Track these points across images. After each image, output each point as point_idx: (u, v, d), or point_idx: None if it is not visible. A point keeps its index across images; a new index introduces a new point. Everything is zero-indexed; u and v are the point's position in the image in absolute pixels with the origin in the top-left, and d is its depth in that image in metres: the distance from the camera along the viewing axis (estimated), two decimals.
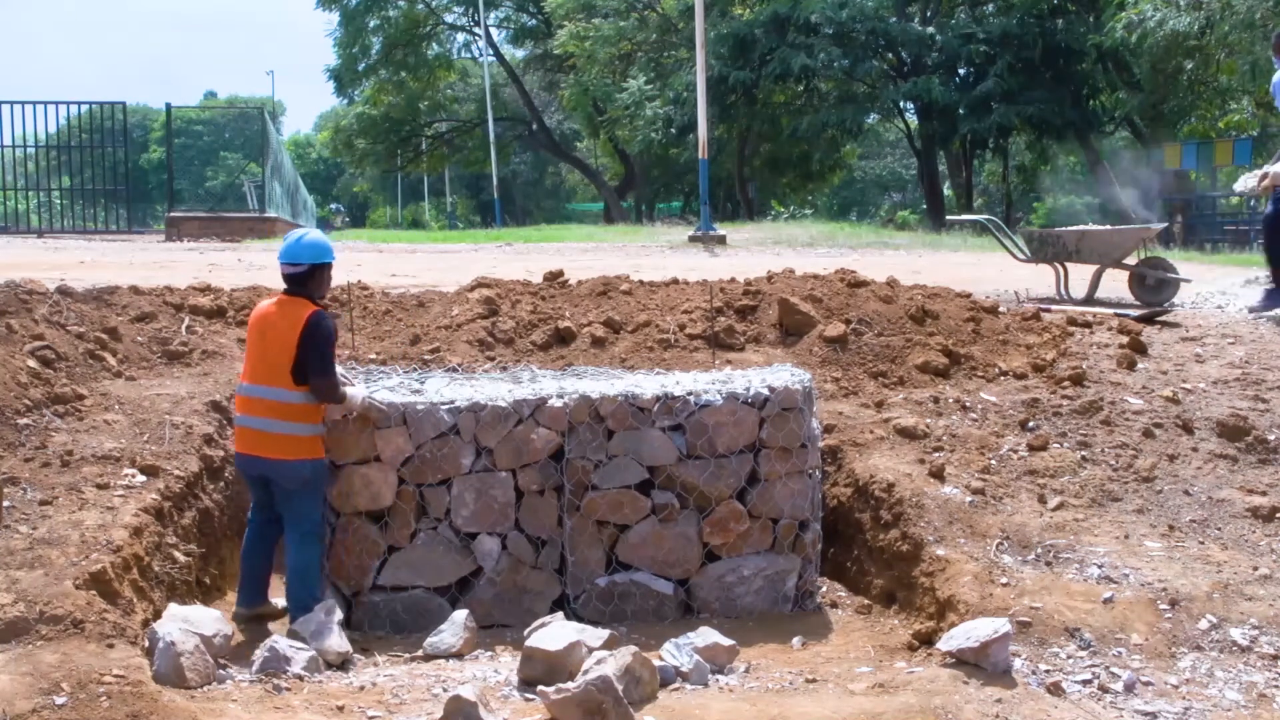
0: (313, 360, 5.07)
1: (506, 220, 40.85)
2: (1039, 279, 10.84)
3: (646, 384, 5.72)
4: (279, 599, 5.47)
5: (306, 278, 5.25)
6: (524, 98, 43.38)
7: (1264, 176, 8.46)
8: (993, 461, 6.15)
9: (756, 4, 30.72)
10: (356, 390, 5.33)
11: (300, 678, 4.43)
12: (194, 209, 27.76)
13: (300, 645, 4.60)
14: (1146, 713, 4.15)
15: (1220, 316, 9.05)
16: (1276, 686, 4.36)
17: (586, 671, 4.07)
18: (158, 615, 4.70)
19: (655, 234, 22.09)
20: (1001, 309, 8.54)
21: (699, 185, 19.26)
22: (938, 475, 5.92)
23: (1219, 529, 5.62)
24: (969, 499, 5.73)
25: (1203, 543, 5.47)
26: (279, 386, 5.10)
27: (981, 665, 4.32)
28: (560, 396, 5.45)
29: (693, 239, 18.53)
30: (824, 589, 5.90)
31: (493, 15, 42.81)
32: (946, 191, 36.24)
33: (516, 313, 8.01)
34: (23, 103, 21.66)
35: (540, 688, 4.12)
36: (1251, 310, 8.31)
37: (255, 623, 5.32)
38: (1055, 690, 4.25)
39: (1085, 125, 29.03)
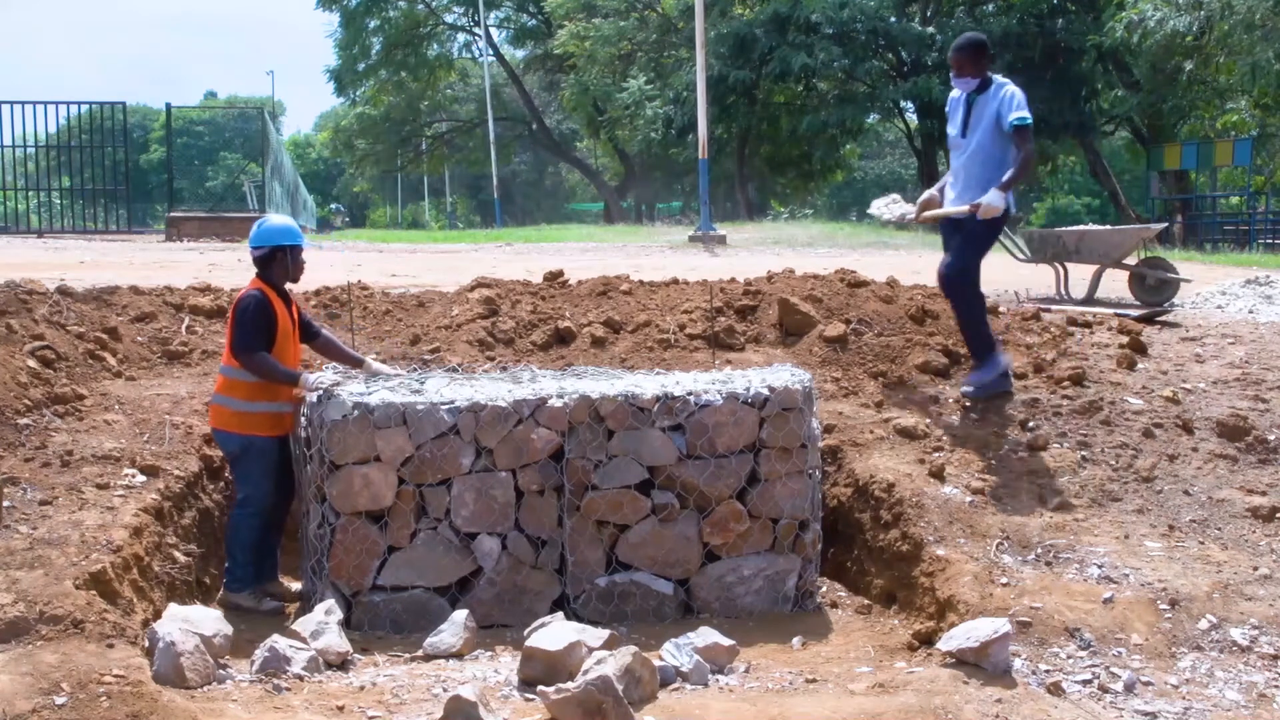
0: (233, 336, 5.51)
1: (506, 220, 40.87)
2: (1039, 279, 10.85)
3: (646, 384, 5.71)
4: (295, 584, 5.79)
5: (268, 260, 5.61)
6: (524, 98, 43.41)
7: (922, 206, 6.85)
8: (993, 461, 6.15)
9: (757, 4, 30.73)
10: (308, 375, 5.54)
11: (300, 678, 4.43)
12: (194, 209, 27.76)
13: (300, 645, 4.60)
14: (1146, 713, 4.15)
15: (1220, 316, 9.05)
16: (1276, 686, 4.36)
17: (586, 671, 4.06)
18: (158, 615, 4.70)
19: (655, 234, 22.11)
20: (1001, 309, 8.54)
21: (699, 185, 19.27)
22: (938, 475, 5.92)
23: (1219, 529, 5.62)
24: (969, 499, 5.73)
25: (1203, 543, 5.47)
26: (223, 363, 5.69)
27: (981, 665, 4.32)
28: (560, 396, 5.45)
29: (693, 239, 18.55)
30: (824, 589, 5.90)
31: (493, 15, 42.85)
32: None
33: (516, 313, 8.01)
34: (23, 103, 21.67)
35: (540, 688, 4.11)
36: (966, 393, 6.72)
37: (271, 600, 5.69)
38: (1055, 690, 4.25)
39: (1084, 125, 29.05)
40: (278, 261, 5.61)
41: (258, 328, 5.44)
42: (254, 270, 5.72)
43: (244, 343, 5.44)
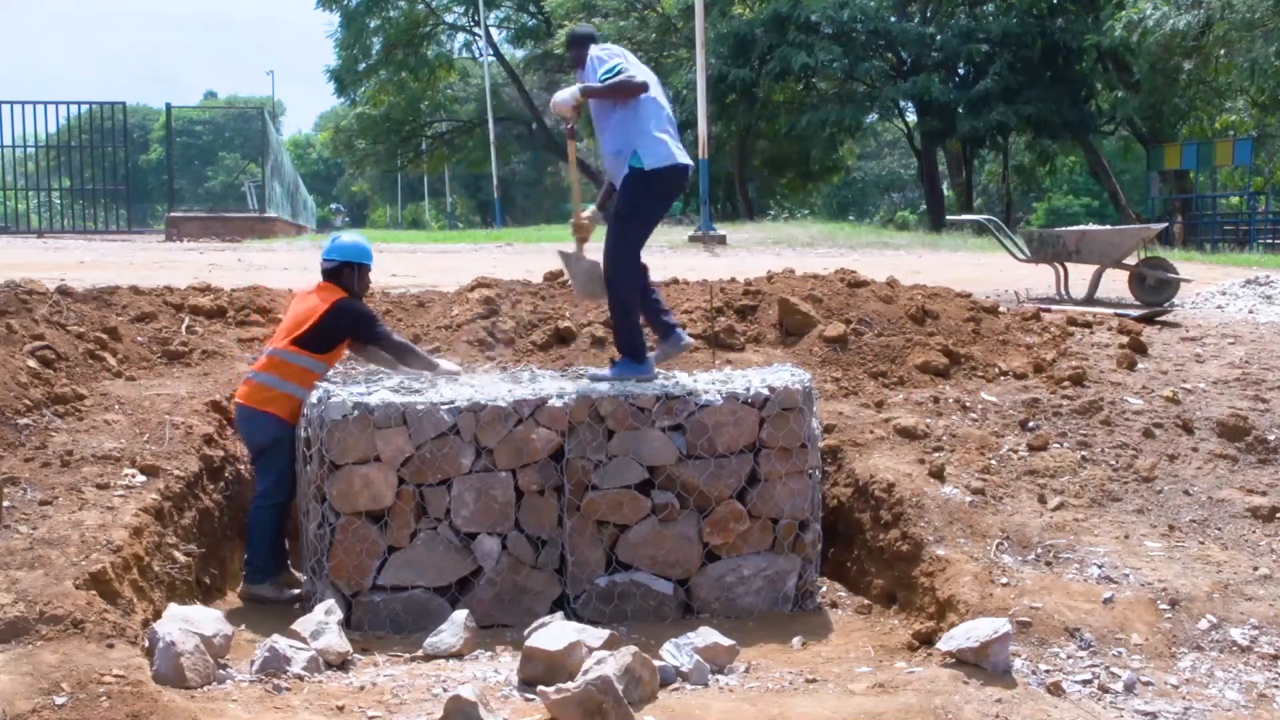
0: (371, 336, 5.87)
1: (506, 220, 40.82)
2: (1039, 279, 10.85)
3: (647, 384, 5.71)
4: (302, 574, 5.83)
5: (336, 273, 5.91)
6: (524, 98, 43.37)
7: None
8: (993, 461, 6.15)
9: (757, 3, 30.73)
10: (442, 361, 6.07)
11: (300, 678, 4.43)
12: (194, 209, 27.75)
13: (300, 645, 4.60)
14: (1146, 713, 4.15)
15: (1220, 316, 9.06)
16: (1276, 686, 4.36)
17: (586, 671, 4.06)
18: (158, 615, 4.69)
19: (655, 234, 22.08)
20: (1001, 309, 8.54)
21: (699, 185, 19.26)
22: (938, 475, 5.92)
23: (1219, 529, 5.62)
24: (969, 499, 5.73)
25: (1203, 543, 5.47)
26: (286, 348, 5.71)
27: (981, 665, 4.32)
28: (560, 396, 5.45)
29: (693, 239, 18.55)
30: (824, 589, 5.90)
31: (493, 15, 42.80)
32: (946, 191, 36.25)
33: (516, 313, 8.01)
34: (23, 103, 21.71)
35: (540, 688, 4.11)
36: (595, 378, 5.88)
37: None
38: (1055, 690, 4.25)
39: (1083, 125, 29.05)
40: (345, 276, 5.92)
41: (379, 322, 5.94)
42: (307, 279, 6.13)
43: (381, 327, 5.91)
